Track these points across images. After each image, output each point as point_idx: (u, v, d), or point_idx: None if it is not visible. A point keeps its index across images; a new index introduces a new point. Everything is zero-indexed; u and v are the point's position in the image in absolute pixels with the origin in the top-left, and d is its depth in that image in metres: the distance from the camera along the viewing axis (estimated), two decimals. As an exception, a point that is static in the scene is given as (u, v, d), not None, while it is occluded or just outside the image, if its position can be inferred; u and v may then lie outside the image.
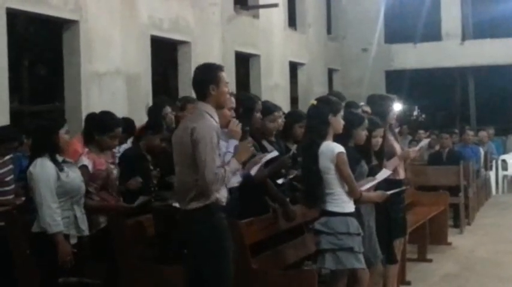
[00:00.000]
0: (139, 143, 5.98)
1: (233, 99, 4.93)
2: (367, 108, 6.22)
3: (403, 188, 5.91)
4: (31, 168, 4.75)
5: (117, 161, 5.64)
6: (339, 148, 4.83)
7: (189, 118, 4.54)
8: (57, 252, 4.65)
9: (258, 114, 5.47)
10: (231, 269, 4.37)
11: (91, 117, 5.89)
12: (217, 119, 4.41)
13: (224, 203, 4.39)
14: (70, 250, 4.71)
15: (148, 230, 5.34)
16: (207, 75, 4.46)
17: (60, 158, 4.83)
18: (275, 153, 5.24)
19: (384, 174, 5.26)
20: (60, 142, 4.85)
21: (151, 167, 5.88)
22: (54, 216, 4.66)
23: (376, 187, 5.29)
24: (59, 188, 4.73)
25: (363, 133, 5.32)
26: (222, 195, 4.36)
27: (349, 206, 4.89)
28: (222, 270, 4.32)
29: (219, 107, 4.47)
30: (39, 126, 5.08)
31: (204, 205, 4.27)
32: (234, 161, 4.39)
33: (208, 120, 4.32)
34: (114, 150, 5.74)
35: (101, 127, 5.42)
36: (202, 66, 4.61)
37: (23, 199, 5.80)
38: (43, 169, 4.71)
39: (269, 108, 5.81)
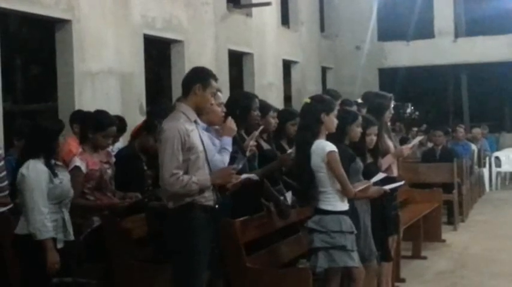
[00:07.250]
0: (134, 143, 5.97)
1: (220, 94, 4.91)
2: (360, 101, 6.24)
3: (401, 183, 5.91)
4: (23, 170, 4.55)
5: (113, 159, 5.63)
6: (330, 147, 4.82)
7: (167, 117, 4.48)
8: (44, 257, 4.48)
9: (256, 113, 5.45)
10: (199, 271, 4.30)
11: (85, 116, 5.88)
12: (194, 118, 4.38)
13: (206, 204, 4.33)
14: (58, 258, 4.53)
15: (142, 230, 5.33)
16: (198, 75, 4.44)
17: (52, 162, 4.72)
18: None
19: (378, 176, 5.26)
20: (58, 147, 4.80)
21: (146, 167, 5.87)
22: (45, 221, 4.48)
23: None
24: (50, 192, 4.56)
25: (357, 130, 5.31)
26: (203, 196, 4.31)
27: (342, 205, 4.88)
28: (184, 270, 4.27)
29: (198, 110, 4.42)
30: (40, 128, 4.82)
31: (179, 205, 4.28)
32: (207, 179, 4.32)
33: (178, 122, 4.29)
34: (107, 149, 5.73)
35: (95, 126, 5.40)
36: (199, 67, 4.60)
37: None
38: (36, 172, 4.52)
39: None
